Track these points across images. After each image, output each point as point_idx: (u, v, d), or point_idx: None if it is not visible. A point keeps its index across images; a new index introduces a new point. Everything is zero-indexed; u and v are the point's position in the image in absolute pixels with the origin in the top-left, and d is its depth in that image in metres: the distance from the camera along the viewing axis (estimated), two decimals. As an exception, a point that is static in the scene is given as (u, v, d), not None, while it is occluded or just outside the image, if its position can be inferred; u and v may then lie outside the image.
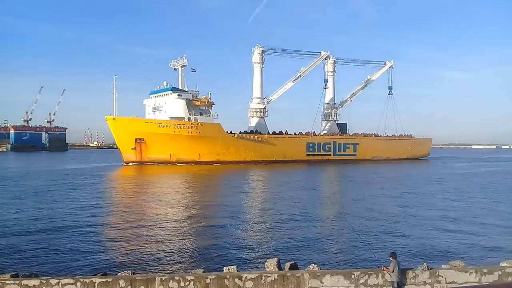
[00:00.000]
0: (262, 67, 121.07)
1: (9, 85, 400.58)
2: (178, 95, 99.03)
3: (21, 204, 37.57)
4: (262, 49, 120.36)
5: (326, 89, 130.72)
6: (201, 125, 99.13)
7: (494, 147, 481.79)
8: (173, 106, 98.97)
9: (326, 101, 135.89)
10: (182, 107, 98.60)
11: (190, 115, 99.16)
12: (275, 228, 27.56)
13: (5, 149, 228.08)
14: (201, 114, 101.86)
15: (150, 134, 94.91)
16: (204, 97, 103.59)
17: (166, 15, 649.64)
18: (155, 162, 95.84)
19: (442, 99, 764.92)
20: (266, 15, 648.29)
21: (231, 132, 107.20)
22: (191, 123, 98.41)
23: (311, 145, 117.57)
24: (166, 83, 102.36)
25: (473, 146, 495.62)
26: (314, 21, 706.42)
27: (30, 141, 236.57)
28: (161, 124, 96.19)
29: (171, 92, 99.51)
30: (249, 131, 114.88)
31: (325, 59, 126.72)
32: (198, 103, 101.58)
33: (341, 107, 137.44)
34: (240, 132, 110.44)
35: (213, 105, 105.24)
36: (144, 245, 22.81)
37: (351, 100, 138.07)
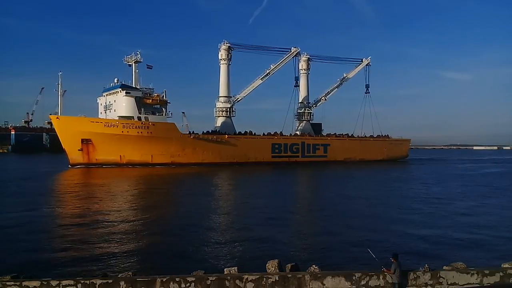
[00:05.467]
0: (229, 64, 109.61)
1: (10, 86, 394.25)
2: (127, 93, 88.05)
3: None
4: (229, 45, 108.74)
5: (297, 87, 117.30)
6: (153, 124, 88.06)
7: (495, 148, 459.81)
8: (121, 105, 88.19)
9: (300, 100, 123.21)
10: (131, 106, 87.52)
11: (141, 114, 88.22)
12: (274, 229, 25.68)
13: (5, 150, 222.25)
14: (153, 113, 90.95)
15: (96, 134, 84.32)
16: (156, 95, 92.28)
17: (166, 16, 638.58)
18: (104, 165, 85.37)
19: (441, 100, 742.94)
20: (265, 17, 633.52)
21: (193, 133, 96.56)
22: (141, 123, 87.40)
23: (276, 146, 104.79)
24: (117, 80, 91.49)
25: (475, 147, 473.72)
26: (313, 22, 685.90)
27: (31, 142, 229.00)
28: (108, 124, 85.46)
29: (120, 89, 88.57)
30: (211, 132, 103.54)
31: (295, 56, 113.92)
32: (149, 101, 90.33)
33: (315, 106, 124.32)
34: (203, 133, 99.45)
35: (167, 104, 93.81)
36: (136, 249, 20.87)
37: (325, 99, 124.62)
